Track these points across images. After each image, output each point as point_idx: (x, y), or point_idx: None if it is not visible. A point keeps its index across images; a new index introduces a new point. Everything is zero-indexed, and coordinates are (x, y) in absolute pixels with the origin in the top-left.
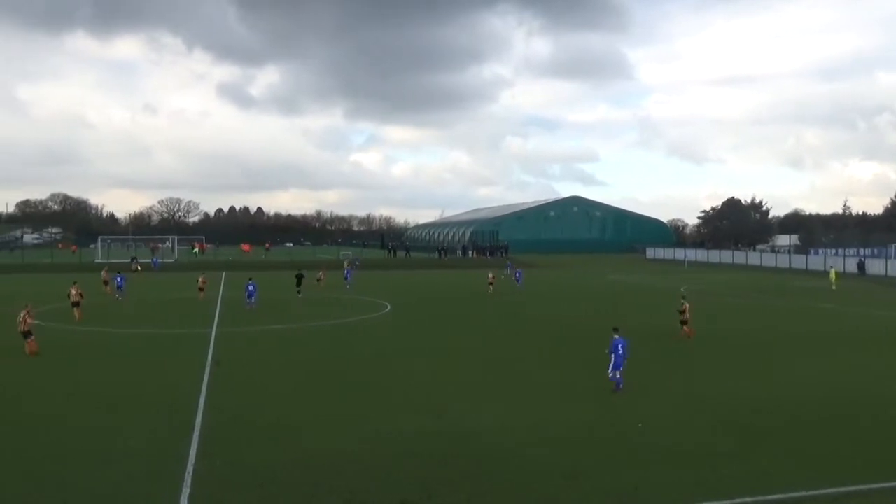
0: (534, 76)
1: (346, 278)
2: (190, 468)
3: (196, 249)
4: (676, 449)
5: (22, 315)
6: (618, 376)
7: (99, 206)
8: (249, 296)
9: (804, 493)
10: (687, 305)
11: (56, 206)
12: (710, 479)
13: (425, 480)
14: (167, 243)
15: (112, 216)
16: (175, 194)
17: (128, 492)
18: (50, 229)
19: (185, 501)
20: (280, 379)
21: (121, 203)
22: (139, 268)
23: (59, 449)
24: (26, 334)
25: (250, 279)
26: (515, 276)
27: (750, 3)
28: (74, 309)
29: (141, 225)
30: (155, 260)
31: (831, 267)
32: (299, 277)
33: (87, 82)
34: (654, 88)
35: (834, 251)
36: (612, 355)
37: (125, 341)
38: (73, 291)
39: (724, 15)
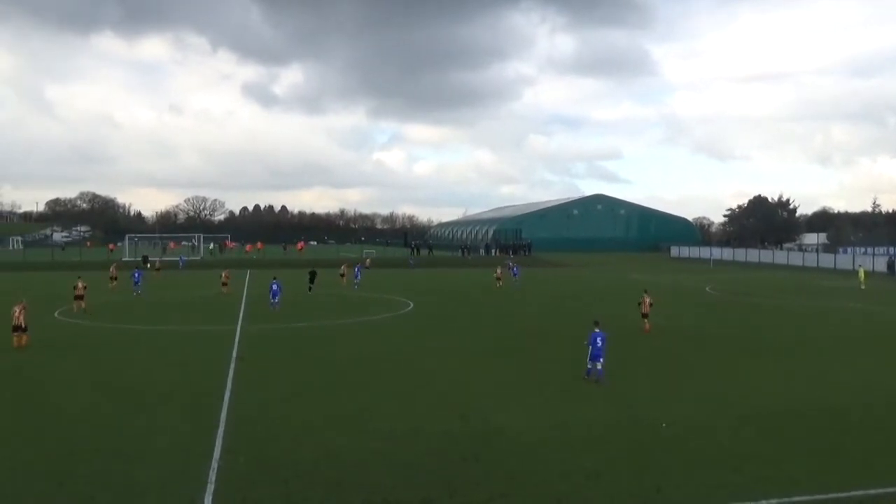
0: (557, 73)
1: (355, 277)
2: (214, 465)
3: (212, 247)
4: (700, 450)
5: (17, 310)
6: (598, 367)
7: (126, 205)
8: (274, 295)
9: (831, 496)
10: (647, 300)
11: (85, 205)
12: (734, 481)
13: (448, 479)
14: (192, 241)
15: (139, 215)
16: (200, 193)
17: (153, 487)
18: (79, 227)
19: (210, 498)
20: (303, 376)
21: (148, 202)
22: (158, 265)
23: (84, 445)
24: (18, 328)
25: (274, 278)
26: (513, 271)
27: None
28: (76, 301)
29: (167, 223)
30: (182, 258)
31: (860, 266)
32: (312, 274)
33: (115, 82)
34: (678, 85)
35: (863, 250)
36: (591, 347)
37: (150, 338)
38: (79, 285)
39: (749, 10)
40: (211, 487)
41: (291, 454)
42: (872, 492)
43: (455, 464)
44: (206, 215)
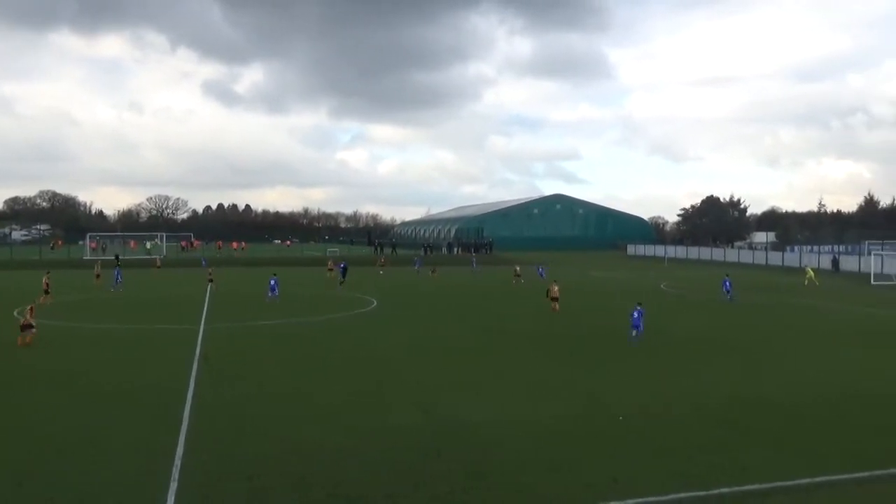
0: (516, 75)
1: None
2: (178, 462)
3: (148, 245)
4: (656, 441)
5: (27, 310)
6: (633, 334)
7: (87, 203)
8: (272, 290)
9: (779, 484)
10: (555, 287)
11: (45, 204)
12: (688, 470)
13: (412, 473)
14: (155, 240)
15: (101, 213)
16: (163, 191)
17: (115, 487)
18: (38, 226)
19: (173, 496)
20: (267, 374)
21: (109, 200)
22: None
23: (44, 445)
24: (25, 327)
25: (274, 274)
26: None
27: (728, 5)
28: (44, 295)
29: (129, 222)
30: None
31: (807, 265)
32: (344, 269)
33: (73, 80)
34: (634, 88)
35: (809, 248)
36: (631, 319)
37: (113, 337)
38: (45, 280)
39: (702, 16)
40: (174, 486)
41: (255, 451)
42: (820, 479)
43: (419, 458)
44: (168, 214)
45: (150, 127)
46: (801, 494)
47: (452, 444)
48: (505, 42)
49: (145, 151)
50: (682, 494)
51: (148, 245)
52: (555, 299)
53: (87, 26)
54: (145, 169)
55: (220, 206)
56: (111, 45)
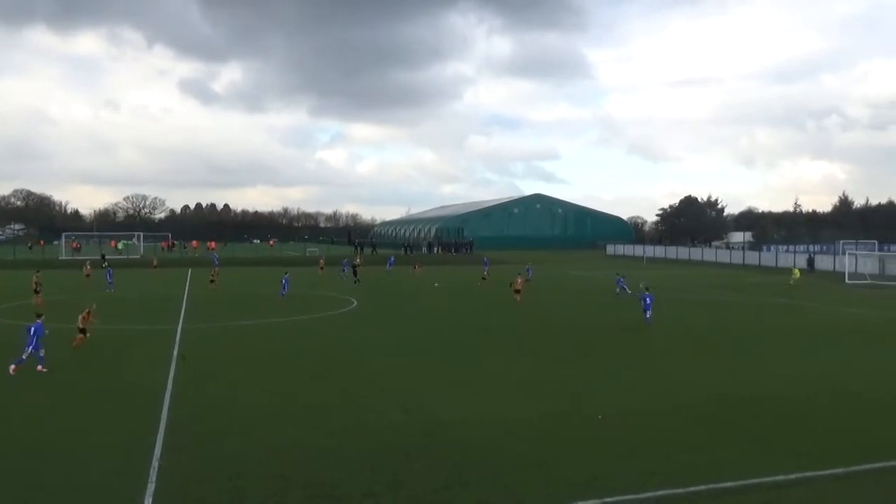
0: (495, 74)
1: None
2: (155, 463)
3: (121, 245)
4: (635, 439)
5: (84, 314)
6: (647, 315)
7: (63, 203)
8: (284, 287)
9: (756, 481)
10: (520, 280)
11: (19, 203)
12: (665, 468)
13: (393, 473)
14: (133, 240)
15: (76, 212)
16: (140, 191)
17: (93, 487)
18: (13, 226)
19: (150, 497)
20: (246, 374)
21: (85, 199)
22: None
23: (21, 444)
24: (82, 330)
25: (286, 273)
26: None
27: (705, 6)
28: (34, 295)
29: (106, 221)
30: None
31: (793, 266)
32: (355, 268)
33: (49, 77)
34: (613, 88)
35: (785, 248)
36: (642, 303)
37: (93, 337)
38: (35, 280)
39: (680, 18)
40: (152, 487)
41: (235, 451)
42: (795, 476)
43: (399, 457)
44: (146, 213)
45: (126, 125)
46: (777, 491)
47: (433, 443)
48: (484, 41)
49: (122, 150)
50: (661, 492)
51: (120, 245)
52: (517, 291)
53: (64, 24)
54: (122, 168)
55: (199, 205)
56: (88, 42)
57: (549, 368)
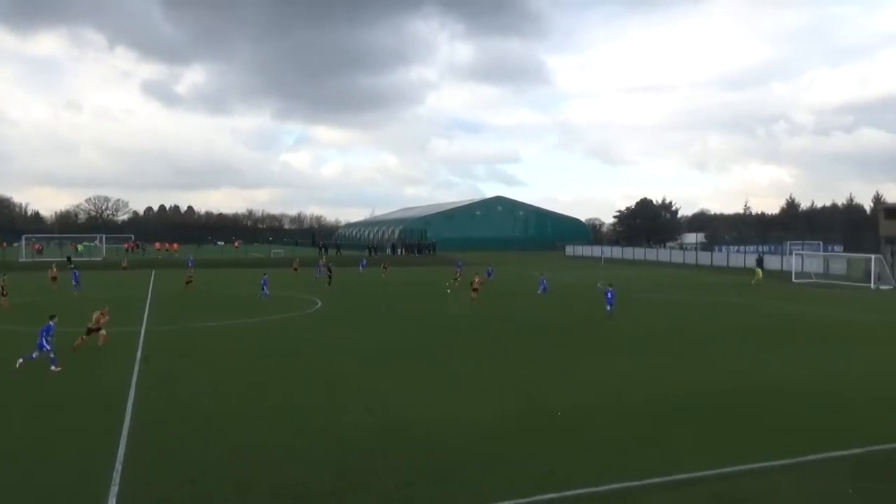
0: (458, 79)
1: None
2: (118, 466)
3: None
4: (591, 435)
5: (96, 315)
6: (608, 308)
7: (23, 205)
8: (263, 287)
9: (709, 472)
10: (477, 279)
11: None
12: (621, 462)
13: (359, 472)
14: (95, 241)
15: (37, 214)
16: (102, 192)
17: (55, 491)
18: None
19: (114, 499)
20: (210, 376)
21: (45, 201)
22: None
23: None
24: (92, 330)
25: (264, 274)
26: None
27: (659, 16)
28: (3, 298)
29: (67, 223)
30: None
31: (755, 267)
32: (329, 269)
33: (7, 78)
34: (572, 94)
35: (736, 248)
36: (605, 297)
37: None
38: (4, 283)
39: (636, 27)
40: (115, 489)
41: (199, 453)
42: (746, 467)
43: (363, 457)
44: (108, 215)
45: (88, 126)
46: (729, 482)
47: (397, 442)
48: (447, 47)
49: (84, 151)
50: (617, 485)
51: (80, 247)
52: (475, 290)
53: (23, 23)
54: (84, 169)
55: (162, 207)
56: (48, 43)
57: (509, 368)
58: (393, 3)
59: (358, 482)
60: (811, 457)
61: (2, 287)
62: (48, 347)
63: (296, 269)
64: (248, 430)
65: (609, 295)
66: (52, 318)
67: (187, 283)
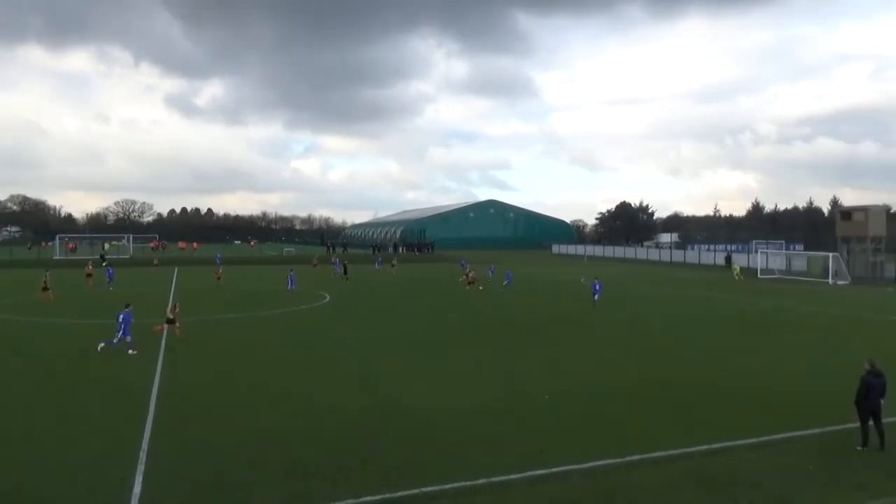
0: (454, 93)
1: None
2: (144, 446)
3: (107, 247)
4: (576, 417)
5: (171, 307)
6: (595, 298)
7: (57, 207)
8: (291, 282)
9: (682, 451)
10: (472, 272)
11: (15, 207)
12: (603, 441)
13: (361, 450)
14: (123, 241)
15: (70, 216)
16: (129, 196)
17: (85, 468)
18: (9, 228)
19: (140, 477)
20: (228, 364)
21: (78, 204)
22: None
23: (14, 431)
24: (171, 321)
25: (291, 270)
26: (490, 272)
27: (637, 35)
28: (47, 292)
29: (97, 225)
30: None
31: (734, 263)
32: (345, 266)
33: (41, 92)
34: (557, 107)
35: (707, 247)
36: (592, 289)
37: (81, 331)
38: (45, 279)
39: (616, 45)
40: (141, 468)
41: (218, 435)
42: (716, 446)
43: (367, 436)
44: (135, 217)
45: (116, 136)
46: (700, 460)
47: (397, 424)
48: (443, 64)
49: (112, 159)
50: (600, 462)
51: (106, 246)
52: (471, 282)
53: (54, 41)
54: (112, 175)
55: (184, 209)
56: (77, 59)
57: (499, 356)
58: (394, 23)
59: (362, 459)
60: (776, 436)
61: (45, 282)
62: (128, 333)
63: (315, 266)
64: (263, 413)
65: (597, 286)
66: (127, 305)
67: (217, 279)
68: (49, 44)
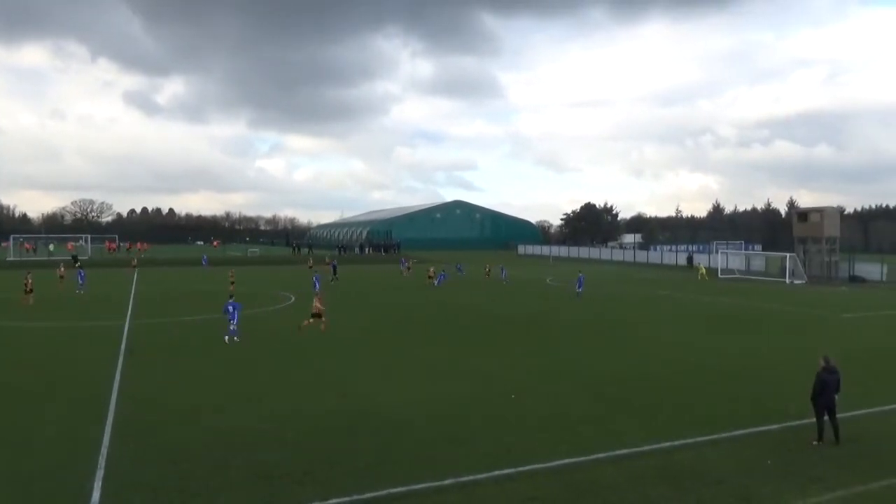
0: (419, 93)
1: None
2: (104, 451)
3: (51, 247)
4: (544, 415)
5: (316, 301)
6: (579, 290)
7: (10, 206)
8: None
9: (648, 448)
10: (432, 269)
11: None
12: (571, 439)
13: (328, 452)
14: (79, 242)
15: (24, 216)
16: (87, 196)
17: (42, 476)
18: None
19: (99, 483)
20: (191, 366)
21: (33, 204)
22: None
23: None
24: (316, 315)
25: (316, 272)
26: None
27: (600, 38)
28: (29, 295)
29: (54, 225)
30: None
31: (698, 263)
32: (334, 267)
33: None
34: (522, 108)
35: (669, 248)
36: (577, 283)
37: (41, 334)
38: (30, 281)
39: (579, 48)
40: (101, 473)
41: (180, 439)
42: (680, 442)
43: (334, 438)
44: (93, 217)
45: (72, 134)
46: (666, 456)
47: (364, 424)
48: (409, 64)
49: (69, 157)
50: (566, 460)
51: (51, 247)
52: (430, 277)
53: (8, 35)
54: (69, 174)
55: (145, 209)
56: (33, 54)
57: (466, 355)
58: (359, 22)
59: (329, 462)
60: (736, 432)
61: (26, 284)
62: (236, 323)
63: (311, 267)
64: (226, 415)
65: (581, 279)
66: (231, 296)
67: (231, 283)
68: (2, 38)
